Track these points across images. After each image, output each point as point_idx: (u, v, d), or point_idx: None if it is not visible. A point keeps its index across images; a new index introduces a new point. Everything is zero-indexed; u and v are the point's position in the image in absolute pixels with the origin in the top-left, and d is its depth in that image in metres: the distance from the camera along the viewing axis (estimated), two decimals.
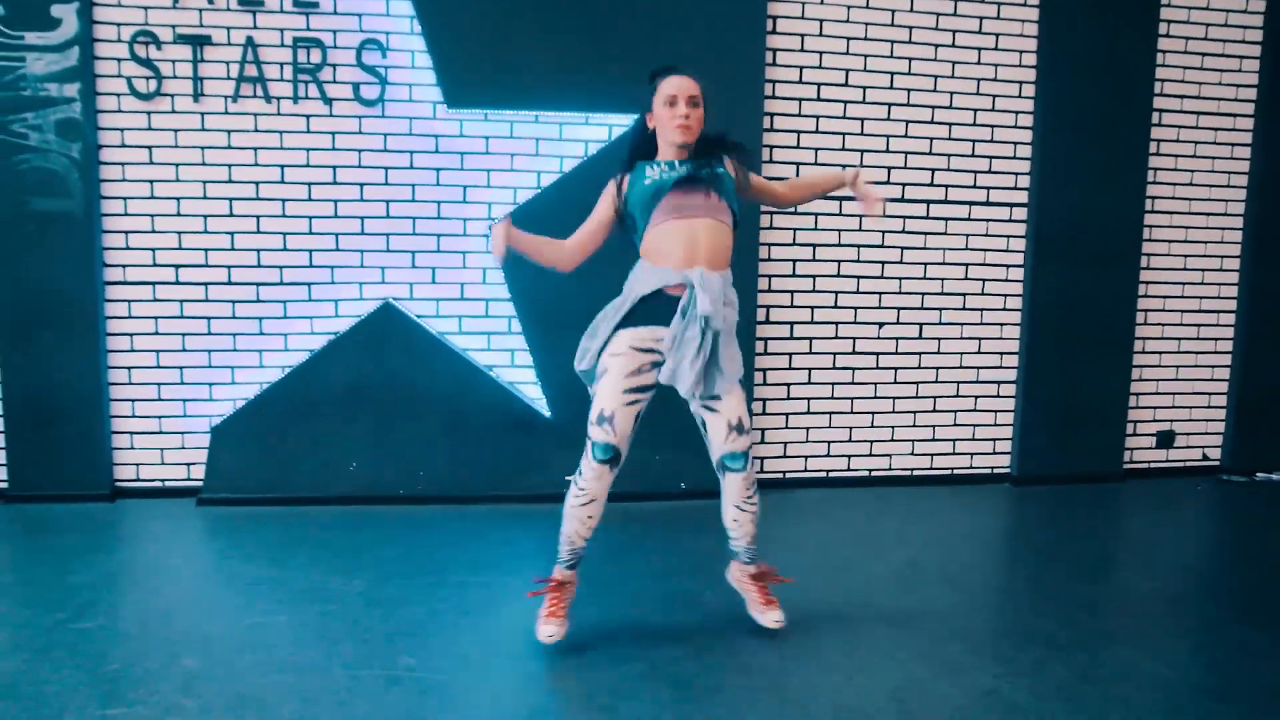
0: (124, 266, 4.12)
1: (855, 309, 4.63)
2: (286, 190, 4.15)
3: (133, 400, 4.19)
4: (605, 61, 4.22)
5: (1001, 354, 4.79)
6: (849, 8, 4.44)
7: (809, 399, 4.64)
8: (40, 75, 3.92)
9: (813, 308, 4.59)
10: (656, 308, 2.76)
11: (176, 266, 4.14)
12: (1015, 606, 3.27)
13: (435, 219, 4.24)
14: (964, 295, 4.72)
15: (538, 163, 4.27)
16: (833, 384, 4.65)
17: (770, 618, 2.97)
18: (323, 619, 3.01)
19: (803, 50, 4.44)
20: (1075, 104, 4.63)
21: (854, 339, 4.65)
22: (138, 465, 4.23)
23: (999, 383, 4.81)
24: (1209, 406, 5.07)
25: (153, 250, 4.12)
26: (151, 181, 4.08)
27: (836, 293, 4.60)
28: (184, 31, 4.00)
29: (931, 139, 4.60)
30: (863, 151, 4.54)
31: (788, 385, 4.61)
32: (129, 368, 4.17)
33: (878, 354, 4.68)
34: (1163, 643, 2.95)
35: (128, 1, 3.98)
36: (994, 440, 4.84)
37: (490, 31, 4.14)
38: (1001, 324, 4.77)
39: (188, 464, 4.24)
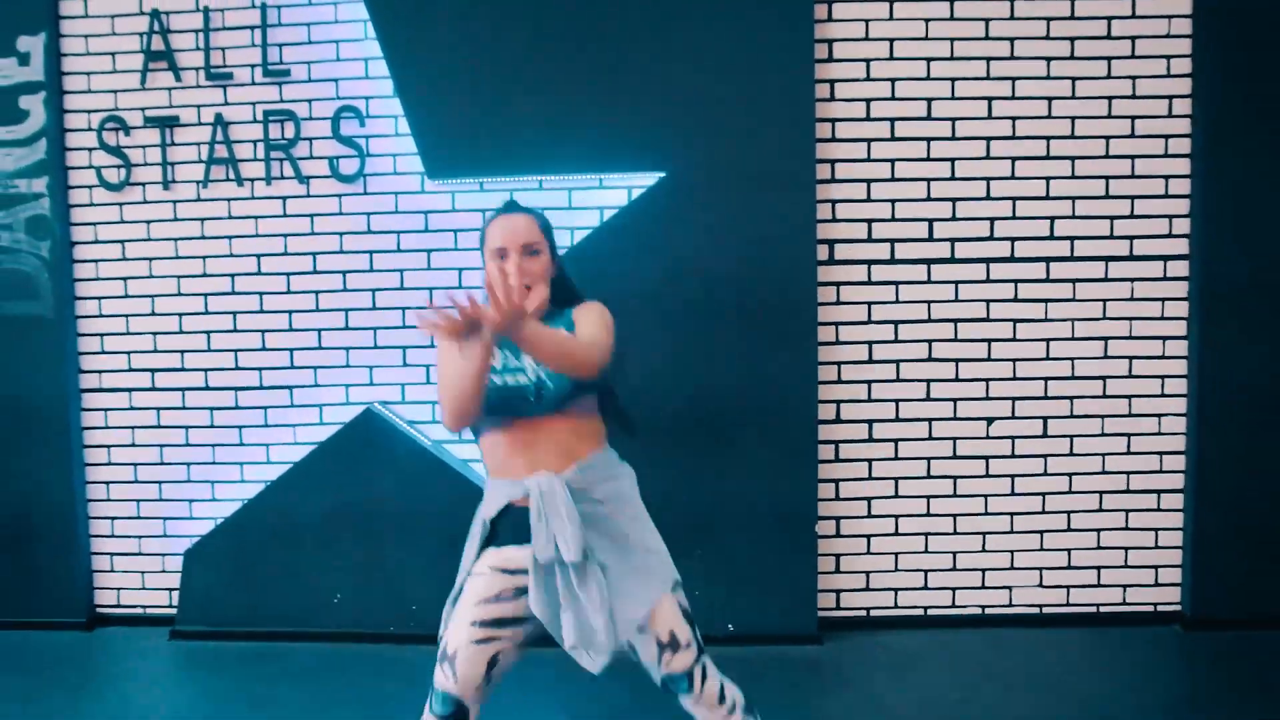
0: (99, 372, 3.75)
1: (954, 401, 3.62)
2: (263, 282, 3.67)
3: (111, 518, 3.79)
4: (617, 111, 3.50)
5: (1161, 454, 3.62)
6: (927, 21, 3.52)
7: (896, 516, 3.65)
8: (9, 172, 3.64)
9: (897, 401, 3.62)
10: (515, 524, 2.03)
11: (152, 371, 3.73)
12: None
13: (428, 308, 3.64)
14: (1103, 379, 3.60)
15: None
16: (928, 497, 3.65)
17: None
18: None
19: (868, 79, 3.55)
20: (1251, 119, 3.47)
21: (954, 439, 3.63)
22: (118, 590, 3.81)
23: (1159, 491, 3.63)
24: None
25: (128, 354, 3.73)
26: (125, 279, 3.71)
27: (928, 381, 3.62)
28: (153, 114, 3.63)
29: (1048, 179, 3.56)
30: (954, 200, 3.57)
31: (868, 500, 3.65)
32: (107, 482, 3.78)
33: (986, 458, 3.63)
34: None
35: (97, 86, 3.65)
36: (1156, 568, 3.65)
37: (478, 87, 3.52)
38: (1159, 414, 3.61)
39: (169, 589, 3.79)
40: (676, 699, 2.10)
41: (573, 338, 2.02)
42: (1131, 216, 3.58)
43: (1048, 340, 3.61)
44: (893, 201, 3.58)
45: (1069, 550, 3.66)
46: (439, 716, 2.00)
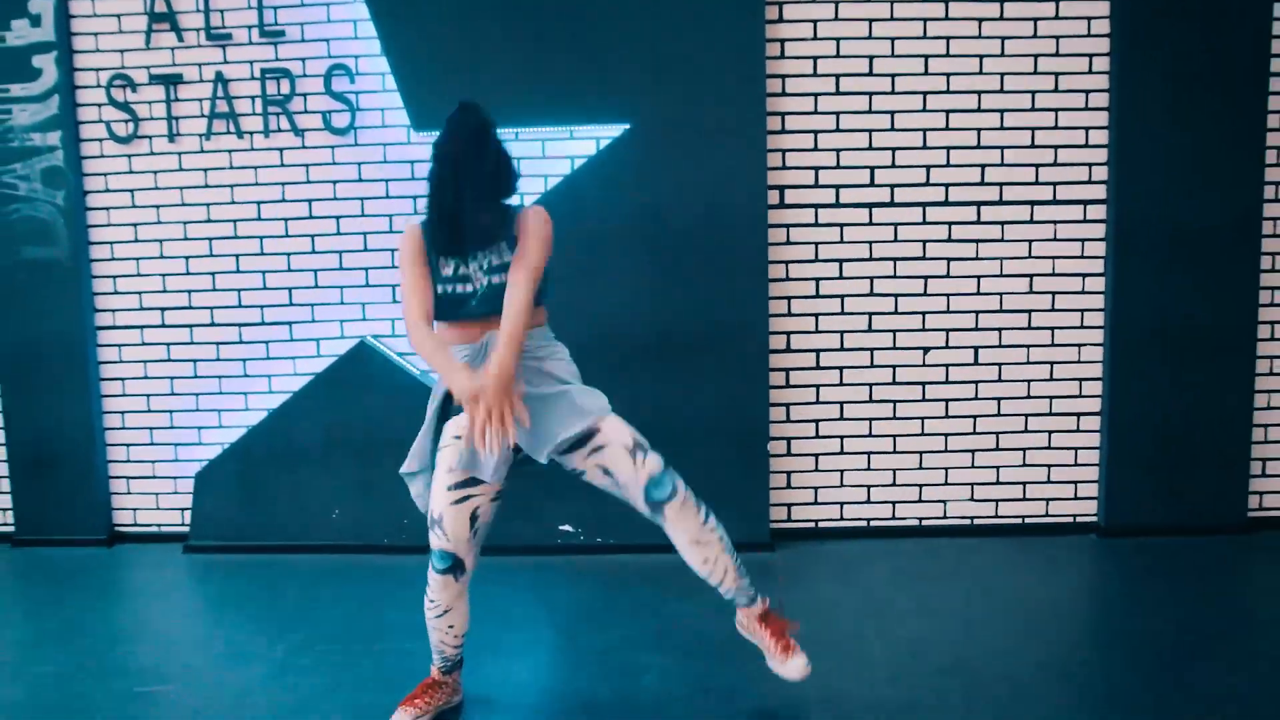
0: (113, 311, 4.08)
1: (894, 332, 3.98)
2: (263, 227, 4.00)
3: (127, 445, 4.15)
4: (586, 71, 3.82)
5: (1080, 380, 4.00)
6: None
7: (842, 437, 4.03)
8: (25, 126, 3.94)
9: (842, 332, 3.98)
10: None
11: (162, 309, 4.06)
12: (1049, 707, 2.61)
13: None
14: (1029, 312, 3.97)
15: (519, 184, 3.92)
16: (869, 419, 4.02)
17: (791, 668, 2.50)
18: (215, 689, 2.85)
19: (816, 39, 3.87)
20: (1164, 77, 3.81)
21: (893, 367, 4.00)
22: (135, 510, 4.18)
23: (1078, 414, 4.02)
24: None
25: (139, 294, 4.06)
26: (135, 225, 4.03)
27: (870, 314, 3.98)
28: (157, 72, 3.93)
29: (979, 130, 3.90)
30: (894, 149, 3.91)
31: (816, 422, 4.02)
32: (122, 412, 4.13)
33: (923, 384, 4.00)
34: None
35: (105, 45, 3.95)
36: (1075, 483, 4.05)
37: (457, 46, 3.83)
38: (1079, 344, 3.98)
39: (181, 509, 4.15)
40: (661, 518, 2.39)
41: (518, 306, 2.32)
42: (1055, 165, 3.92)
43: (978, 277, 3.96)
44: (838, 151, 3.92)
45: (997, 467, 4.05)
46: (440, 570, 2.41)
